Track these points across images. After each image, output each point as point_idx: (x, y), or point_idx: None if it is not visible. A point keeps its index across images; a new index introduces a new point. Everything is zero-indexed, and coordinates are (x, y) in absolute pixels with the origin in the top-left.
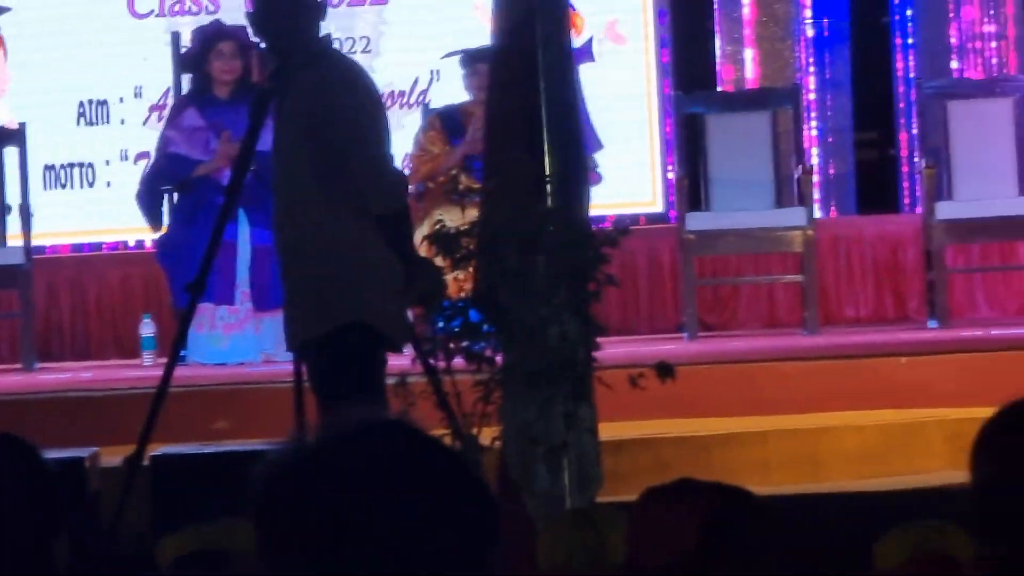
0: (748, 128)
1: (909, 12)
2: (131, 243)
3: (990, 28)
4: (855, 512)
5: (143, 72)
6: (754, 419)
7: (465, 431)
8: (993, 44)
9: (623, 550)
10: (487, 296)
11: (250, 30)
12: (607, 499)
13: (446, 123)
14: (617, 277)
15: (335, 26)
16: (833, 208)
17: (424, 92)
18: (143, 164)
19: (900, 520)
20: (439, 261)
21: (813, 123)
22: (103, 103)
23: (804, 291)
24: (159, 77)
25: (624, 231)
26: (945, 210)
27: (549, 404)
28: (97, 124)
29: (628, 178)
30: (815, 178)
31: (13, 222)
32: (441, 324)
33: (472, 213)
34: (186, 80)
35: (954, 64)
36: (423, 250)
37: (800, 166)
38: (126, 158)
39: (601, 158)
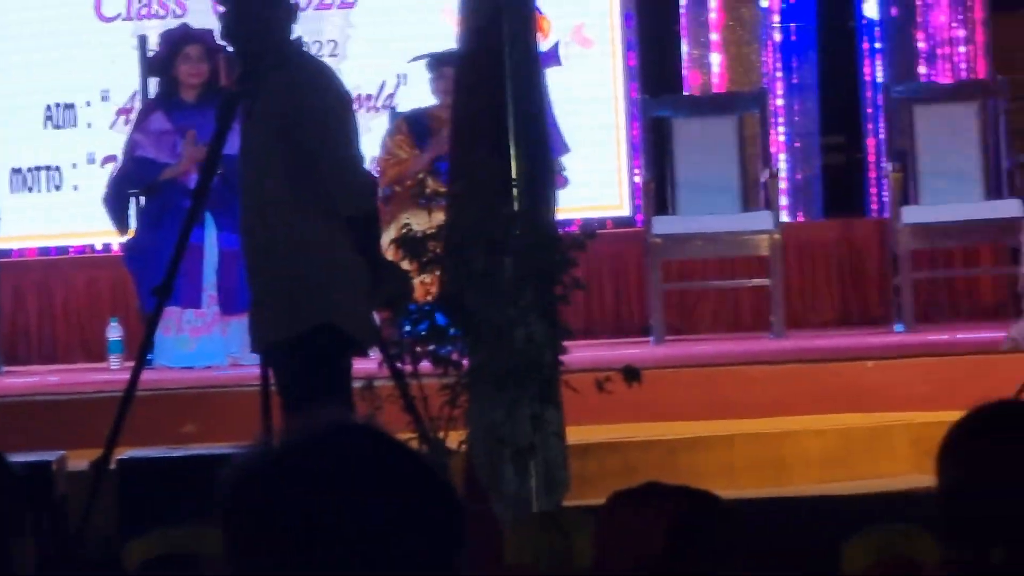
0: (715, 132)
1: (877, 17)
2: (98, 247)
3: (959, 33)
4: (821, 516)
5: (110, 75)
6: (720, 423)
7: (432, 435)
8: (962, 49)
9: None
10: (453, 299)
11: (218, 33)
12: (574, 503)
13: (413, 127)
14: (584, 280)
15: (302, 29)
16: (800, 212)
17: (391, 96)
18: (110, 168)
19: (866, 524)
20: (406, 265)
21: (781, 128)
22: (70, 106)
23: (770, 295)
24: (126, 80)
25: (591, 235)
26: (911, 214)
27: (516, 406)
28: (64, 127)
29: (595, 182)
30: (782, 182)
31: None
32: (408, 328)
33: (439, 217)
34: (153, 84)
35: (922, 69)
36: (390, 253)
37: (767, 170)
38: (93, 161)
39: (568, 162)
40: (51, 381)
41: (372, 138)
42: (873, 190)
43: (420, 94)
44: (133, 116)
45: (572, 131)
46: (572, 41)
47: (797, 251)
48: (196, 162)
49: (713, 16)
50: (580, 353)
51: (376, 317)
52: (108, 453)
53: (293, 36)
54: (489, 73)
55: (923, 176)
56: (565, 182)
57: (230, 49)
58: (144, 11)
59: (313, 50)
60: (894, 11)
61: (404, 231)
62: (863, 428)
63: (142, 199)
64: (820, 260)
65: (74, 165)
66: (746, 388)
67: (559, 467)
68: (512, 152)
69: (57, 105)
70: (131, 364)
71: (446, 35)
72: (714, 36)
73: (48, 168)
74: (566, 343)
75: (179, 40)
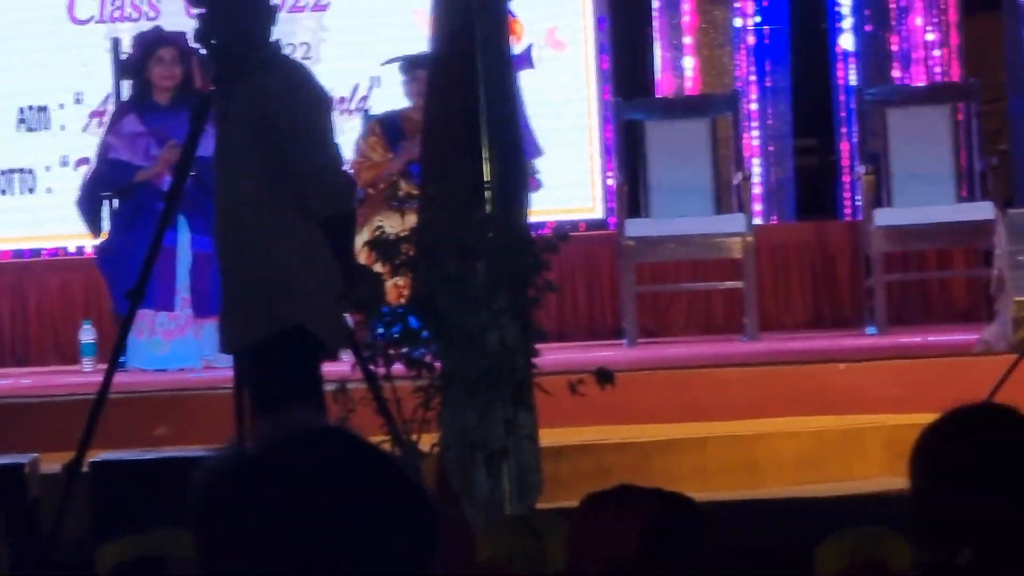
0: (688, 134)
1: (851, 20)
2: (71, 249)
3: (933, 36)
4: (793, 518)
5: (83, 78)
6: (693, 425)
7: (405, 437)
8: (936, 52)
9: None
10: (425, 302)
11: (191, 36)
12: (547, 505)
13: (386, 129)
14: (556, 283)
15: (275, 32)
16: (773, 215)
17: (364, 98)
18: (83, 170)
19: (838, 526)
20: (378, 267)
21: (755, 132)
22: (43, 109)
23: (743, 297)
24: (99, 83)
25: (564, 237)
26: (884, 216)
27: (488, 410)
28: (37, 130)
29: (568, 184)
30: (756, 187)
31: None
32: (381, 330)
33: (412, 219)
34: (126, 86)
35: (896, 72)
36: (362, 256)
37: (740, 173)
38: (66, 164)
39: (541, 164)
40: (24, 383)
41: (345, 141)
42: (847, 193)
43: (393, 97)
44: (106, 119)
45: (545, 134)
46: (545, 44)
47: (770, 254)
48: (170, 165)
49: (686, 19)
50: (553, 356)
51: (350, 320)
52: (81, 456)
53: (272, 39)
54: (461, 76)
55: (896, 178)
56: (538, 185)
57: (203, 51)
58: (117, 13)
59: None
60: (868, 14)
61: (377, 234)
62: (835, 430)
63: (115, 201)
64: (793, 263)
65: (47, 168)
66: (719, 390)
67: (532, 470)
68: (485, 155)
69: (30, 107)
70: (104, 366)
71: (419, 38)
72: (687, 39)
73: (21, 171)
74: (539, 346)
75: (152, 43)
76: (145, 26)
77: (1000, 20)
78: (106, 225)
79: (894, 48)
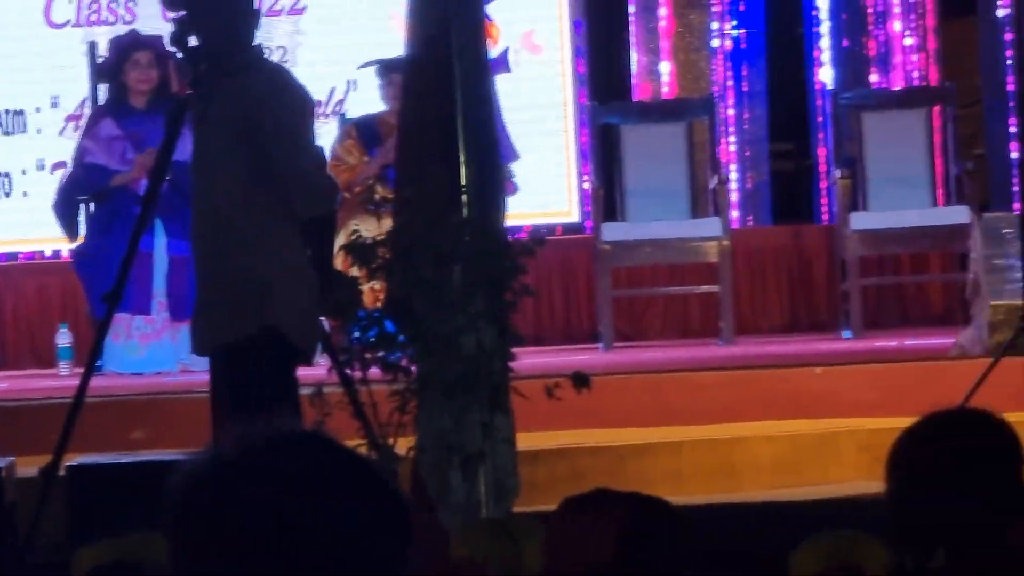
0: (664, 138)
1: (828, 25)
2: (48, 253)
3: (911, 41)
4: (769, 522)
5: (60, 82)
6: (669, 429)
7: (381, 441)
8: (914, 57)
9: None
10: (401, 306)
11: (168, 39)
12: (523, 509)
13: (363, 133)
14: (533, 287)
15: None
16: (749, 219)
17: (340, 102)
18: (60, 174)
19: (814, 530)
20: (355, 271)
21: (731, 138)
22: (19, 113)
23: (719, 301)
24: (76, 87)
25: (540, 241)
26: (859, 220)
27: (465, 414)
28: (13, 133)
29: (544, 188)
30: (733, 193)
31: None
32: (357, 334)
33: (388, 223)
34: (103, 90)
35: (874, 77)
36: (339, 259)
37: (716, 177)
38: (43, 168)
39: (517, 168)
40: (0, 387)
41: (321, 145)
42: (824, 197)
43: (370, 100)
44: (83, 122)
45: (521, 138)
46: (521, 48)
47: (746, 257)
48: (146, 169)
49: (663, 24)
50: (529, 360)
51: (326, 324)
52: (57, 459)
53: (255, 42)
54: (437, 80)
55: (872, 183)
56: (514, 189)
57: (180, 55)
58: (94, 17)
59: None
60: (845, 18)
61: (354, 237)
62: (811, 434)
63: (92, 205)
64: (769, 266)
65: (24, 171)
66: (695, 394)
67: (509, 474)
68: (462, 159)
69: (7, 111)
70: (81, 370)
71: (395, 42)
72: (663, 43)
73: None
74: (515, 350)
75: (128, 46)
76: (121, 30)
77: (976, 24)
78: (82, 229)
79: (871, 53)
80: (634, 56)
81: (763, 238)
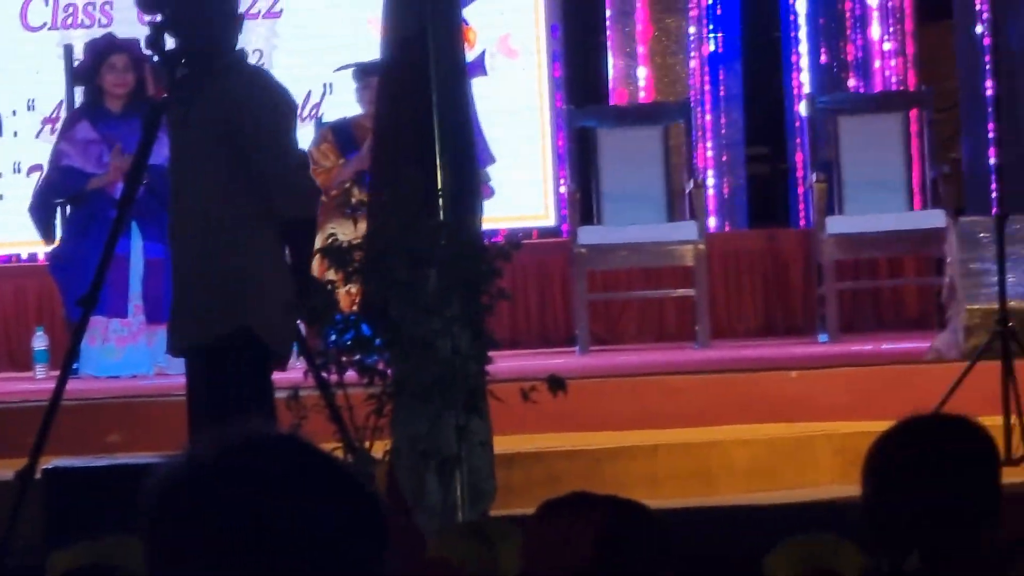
0: (640, 142)
1: (805, 29)
2: (24, 256)
3: (890, 46)
4: (745, 526)
5: (36, 85)
6: (644, 433)
7: (358, 444)
8: (893, 62)
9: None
10: (376, 309)
11: (144, 43)
12: (499, 512)
13: (339, 136)
14: (509, 291)
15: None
16: (726, 223)
17: (317, 105)
18: (36, 177)
19: (790, 533)
20: (331, 274)
21: (709, 144)
22: None
23: (695, 305)
24: (52, 90)
25: (517, 245)
26: (835, 224)
27: (441, 417)
28: None
29: (520, 192)
30: (710, 194)
31: None
32: (333, 337)
33: (364, 226)
34: (79, 93)
35: (852, 81)
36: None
37: (692, 180)
38: (19, 171)
39: (493, 172)
40: None
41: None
42: (801, 202)
43: (346, 104)
44: (59, 125)
45: (498, 141)
46: (498, 51)
47: (722, 261)
48: (123, 172)
49: (639, 28)
50: (505, 363)
51: (303, 327)
52: (33, 463)
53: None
54: (414, 83)
55: (848, 186)
56: (491, 192)
57: (156, 59)
58: (70, 20)
59: None
60: (822, 23)
61: (330, 241)
62: (787, 438)
63: (68, 208)
64: (745, 270)
65: (0, 174)
66: (671, 398)
67: (485, 477)
68: (438, 162)
69: None
70: (57, 373)
71: (372, 45)
72: (640, 47)
73: None
74: (492, 353)
75: (104, 50)
76: (98, 33)
77: (952, 28)
78: (59, 232)
79: (849, 58)
80: (611, 60)
81: (739, 242)
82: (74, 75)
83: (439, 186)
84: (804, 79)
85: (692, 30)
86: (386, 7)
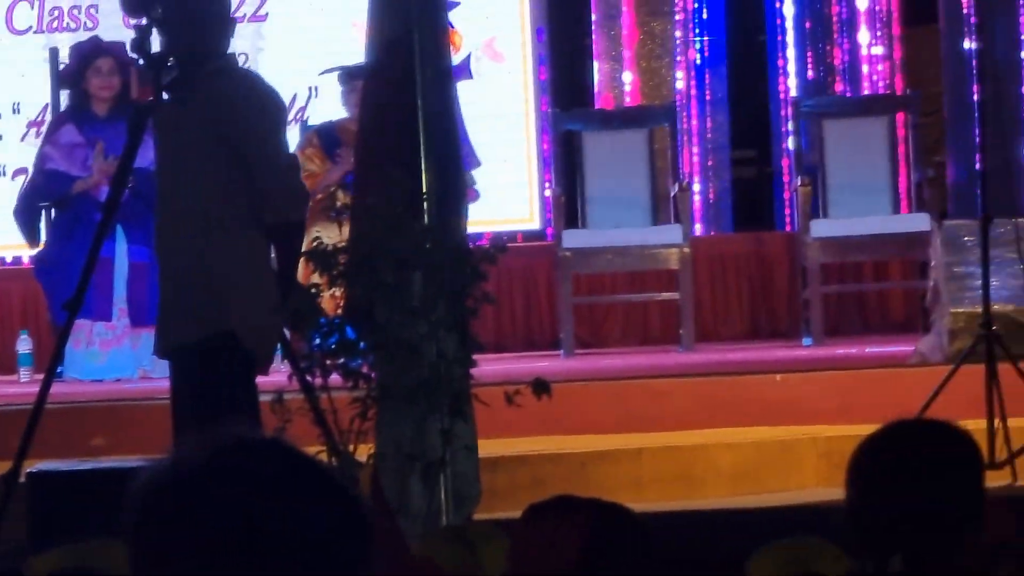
0: (625, 146)
1: (792, 34)
2: (8, 259)
3: (880, 50)
4: (729, 529)
5: (21, 88)
6: (629, 436)
7: (342, 448)
8: (880, 67)
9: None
10: (361, 312)
11: (130, 46)
12: (483, 516)
13: (324, 140)
14: (494, 294)
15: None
16: (711, 226)
17: (302, 109)
18: (21, 180)
19: (774, 537)
20: (316, 278)
21: (695, 148)
22: None
23: (680, 308)
24: (37, 93)
25: (502, 248)
26: (820, 228)
27: (425, 421)
28: None
29: (506, 195)
30: (695, 197)
31: None
32: (318, 341)
33: (349, 230)
34: (64, 96)
35: (839, 86)
36: (300, 266)
37: (677, 184)
38: (4, 174)
39: (479, 175)
40: None
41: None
42: (787, 206)
43: (331, 107)
44: (44, 129)
45: (483, 145)
46: (483, 55)
47: (707, 264)
48: (107, 175)
49: (625, 32)
50: (490, 367)
51: (287, 331)
52: (17, 466)
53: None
54: (399, 87)
55: (832, 190)
56: (476, 196)
57: (142, 62)
58: (55, 24)
59: None
60: (809, 27)
61: (315, 244)
62: (771, 441)
63: (53, 212)
64: (730, 274)
65: None
66: (655, 401)
67: (470, 481)
68: (423, 165)
69: None
70: (41, 377)
71: (358, 48)
72: (626, 52)
73: None
74: (476, 356)
75: (90, 53)
76: (83, 36)
77: (937, 33)
78: (44, 235)
79: (836, 61)
80: (596, 64)
81: (724, 245)
82: (59, 78)
83: (424, 189)
84: (791, 83)
85: (678, 34)
86: (371, 10)
